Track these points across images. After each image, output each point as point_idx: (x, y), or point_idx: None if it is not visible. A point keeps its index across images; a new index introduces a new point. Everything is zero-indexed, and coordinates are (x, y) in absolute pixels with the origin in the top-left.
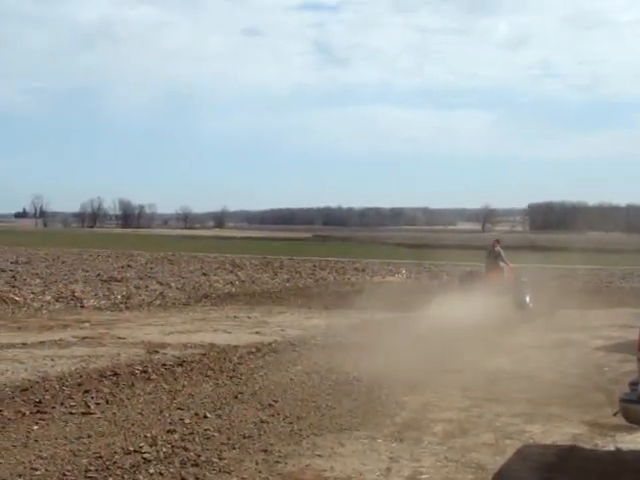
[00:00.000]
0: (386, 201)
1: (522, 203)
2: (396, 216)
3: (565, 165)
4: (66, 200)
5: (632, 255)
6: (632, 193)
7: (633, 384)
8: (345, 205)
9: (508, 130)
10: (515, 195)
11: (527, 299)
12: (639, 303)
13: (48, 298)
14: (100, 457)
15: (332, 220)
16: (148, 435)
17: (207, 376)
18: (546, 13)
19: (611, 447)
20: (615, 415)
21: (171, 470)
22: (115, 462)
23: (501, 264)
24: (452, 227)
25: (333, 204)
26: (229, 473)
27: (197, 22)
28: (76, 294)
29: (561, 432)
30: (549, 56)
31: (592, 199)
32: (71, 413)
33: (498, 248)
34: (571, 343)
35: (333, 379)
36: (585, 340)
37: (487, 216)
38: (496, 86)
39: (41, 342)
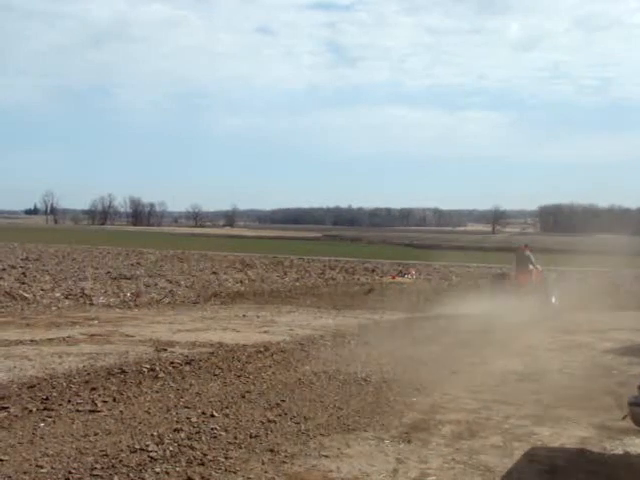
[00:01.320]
0: (396, 201)
1: (532, 205)
2: (406, 216)
3: (576, 167)
4: (77, 197)
5: None
6: None
7: None
8: (355, 205)
9: (518, 132)
10: (525, 197)
11: (553, 299)
12: None
13: (57, 295)
14: (106, 455)
15: (342, 220)
16: (155, 433)
17: (215, 375)
18: (557, 15)
19: (620, 451)
20: (624, 419)
21: (177, 469)
22: (121, 460)
23: (530, 267)
24: (462, 228)
25: (343, 204)
26: (235, 473)
27: (210, 20)
28: (85, 291)
29: (569, 435)
30: (560, 58)
31: (603, 202)
32: (78, 411)
33: (528, 252)
34: (580, 345)
35: (341, 379)
36: (594, 343)
37: (497, 217)
38: (506, 88)
39: (49, 339)
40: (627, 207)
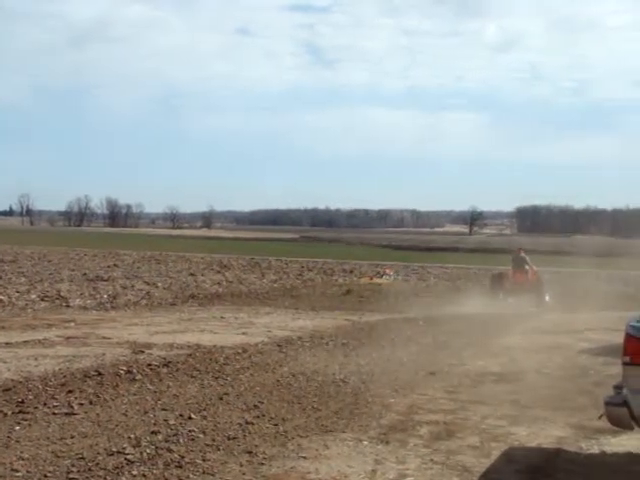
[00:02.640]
0: (374, 203)
1: (509, 206)
2: (384, 218)
3: (553, 168)
4: (53, 199)
5: (618, 259)
6: (617, 197)
7: (617, 387)
8: (333, 206)
9: (496, 133)
10: (503, 198)
11: (547, 297)
12: (624, 306)
13: (33, 297)
14: (82, 458)
15: (320, 221)
16: (132, 436)
17: (192, 377)
18: (535, 16)
19: (596, 450)
20: (600, 418)
21: (154, 472)
22: (98, 463)
23: (526, 267)
24: (439, 229)
25: (321, 205)
26: (213, 475)
27: (191, 21)
28: (62, 293)
29: (546, 434)
30: (538, 59)
31: (579, 203)
32: (54, 413)
33: (523, 254)
34: (557, 346)
35: (319, 380)
36: (571, 343)
37: (474, 219)
38: (485, 89)
39: (25, 341)
40: (603, 208)
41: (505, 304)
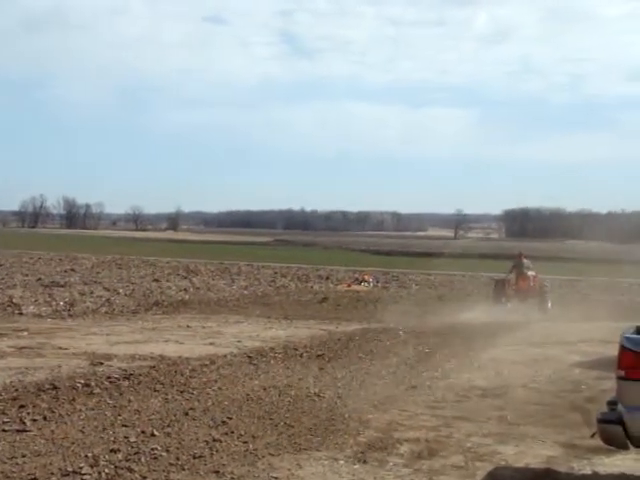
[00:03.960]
0: (352, 204)
1: (497, 209)
2: (363, 220)
3: (544, 169)
4: (5, 198)
5: (613, 266)
6: (613, 200)
7: (612, 403)
8: (309, 208)
9: (484, 131)
10: (490, 200)
11: (549, 304)
12: (619, 317)
13: None
14: (35, 479)
15: (294, 224)
16: (89, 455)
17: (156, 390)
18: (527, 6)
19: (588, 470)
20: (592, 436)
21: None
22: None
23: (529, 273)
24: (422, 233)
25: (296, 206)
26: None
27: (155, 8)
28: (14, 300)
29: (535, 454)
30: (530, 52)
31: (571, 206)
32: (4, 430)
33: (525, 259)
34: (547, 358)
35: (292, 395)
36: (561, 355)
37: (460, 222)
38: (473, 83)
39: None
40: (596, 211)
41: (507, 310)
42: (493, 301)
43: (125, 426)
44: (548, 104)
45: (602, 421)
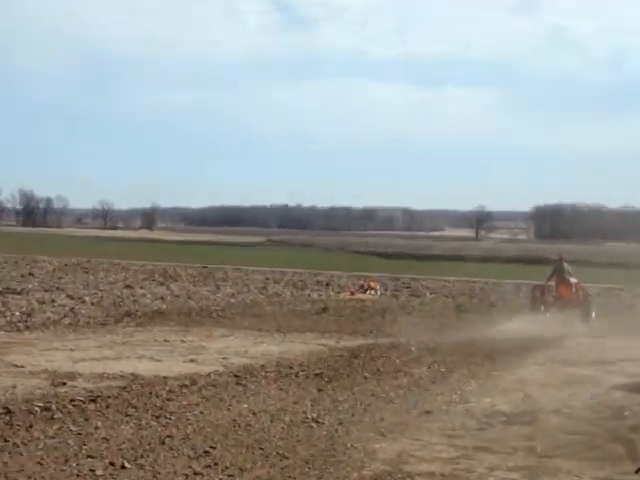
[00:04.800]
0: (357, 199)
1: (525, 205)
2: (369, 218)
3: (580, 159)
4: None
5: None
6: None
7: None
8: (306, 203)
9: (510, 113)
10: (517, 196)
11: (593, 314)
12: None
13: None
14: None
15: (290, 222)
16: None
17: (127, 415)
18: None
19: None
20: (637, 472)
21: None
22: None
23: (571, 279)
24: (438, 233)
25: (291, 202)
26: None
27: None
28: None
29: None
30: (564, 23)
31: (612, 202)
32: None
33: (566, 264)
34: (583, 379)
35: (286, 420)
36: (600, 376)
37: (481, 221)
38: (497, 59)
39: None
40: None
41: (545, 321)
42: (530, 309)
43: (91, 457)
44: (585, 83)
45: None
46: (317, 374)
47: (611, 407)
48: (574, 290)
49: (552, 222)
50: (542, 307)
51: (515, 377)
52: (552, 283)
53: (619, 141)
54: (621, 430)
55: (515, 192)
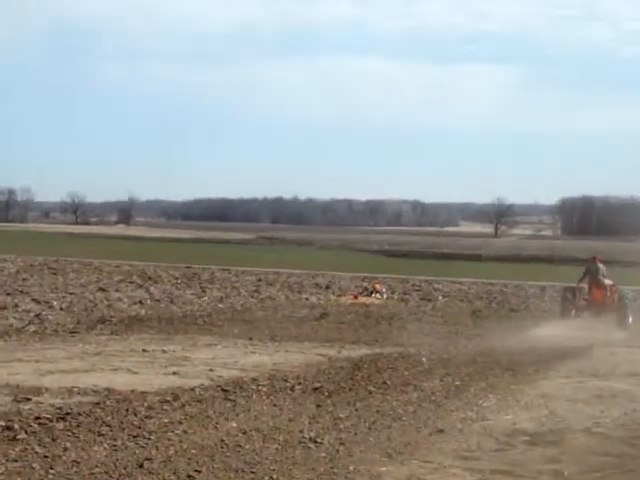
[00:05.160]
0: (361, 191)
1: (551, 198)
2: (374, 212)
3: (612, 145)
4: None
5: None
6: None
7: None
8: (303, 196)
9: (533, 94)
10: (541, 187)
11: (630, 319)
12: None
13: None
14: None
15: (285, 216)
16: None
17: (101, 435)
18: None
19: None
20: None
21: None
22: None
23: (606, 281)
24: (452, 229)
25: (287, 194)
26: None
27: None
28: None
29: None
30: None
31: None
32: None
33: (600, 265)
34: (615, 394)
35: (281, 440)
36: (635, 391)
37: (501, 215)
38: (518, 32)
39: None
40: None
41: (576, 326)
42: (560, 314)
43: None
44: (618, 60)
45: None
46: (315, 388)
47: None
48: (609, 293)
49: (580, 217)
50: (573, 311)
51: (539, 391)
52: (584, 285)
53: None
54: None
55: (539, 183)
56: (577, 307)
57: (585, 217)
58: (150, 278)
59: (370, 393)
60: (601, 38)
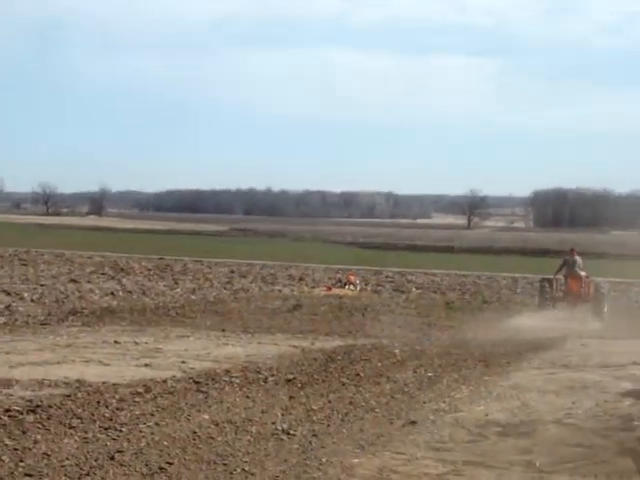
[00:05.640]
0: (334, 183)
1: (524, 190)
2: (348, 204)
3: (586, 138)
4: None
5: None
6: None
7: None
8: (276, 187)
9: (508, 87)
10: (514, 179)
11: (605, 309)
12: None
13: None
14: None
15: (258, 208)
16: None
17: (71, 427)
18: None
19: None
20: None
21: None
22: None
23: (582, 273)
24: (425, 221)
25: (260, 186)
26: None
27: None
28: None
29: None
30: None
31: (621, 186)
32: None
33: (578, 257)
34: (587, 386)
35: (253, 432)
36: (607, 382)
37: (474, 207)
38: (495, 24)
39: None
40: None
41: (553, 317)
42: (538, 305)
43: (29, 475)
44: (592, 52)
45: None
46: (288, 380)
47: (619, 416)
48: (584, 285)
49: (553, 209)
50: (551, 302)
51: (511, 383)
52: (561, 277)
53: (629, 118)
54: (630, 442)
55: (512, 175)
56: (554, 298)
57: (558, 209)
58: (122, 269)
59: (343, 385)
60: (575, 31)
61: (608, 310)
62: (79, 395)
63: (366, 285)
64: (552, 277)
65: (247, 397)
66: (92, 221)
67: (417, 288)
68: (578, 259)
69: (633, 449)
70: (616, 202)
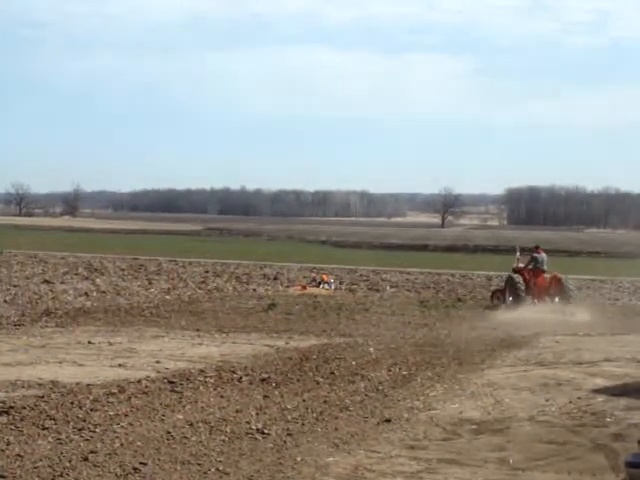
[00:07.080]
0: (308, 182)
1: (497, 188)
2: (322, 203)
3: (558, 135)
4: None
5: None
6: None
7: None
8: (251, 186)
9: (481, 85)
10: (488, 177)
11: (572, 300)
12: None
13: None
14: None
15: (232, 207)
16: None
17: (45, 428)
18: None
19: None
20: None
21: None
22: None
23: (546, 269)
24: (399, 219)
25: (234, 185)
26: None
27: None
28: None
29: None
30: None
31: (593, 184)
32: None
33: (543, 253)
34: (560, 382)
35: (228, 432)
36: (580, 379)
37: (448, 205)
38: (467, 23)
39: None
40: (626, 191)
41: (523, 311)
42: (512, 298)
43: (2, 477)
44: (564, 50)
45: (632, 464)
46: (263, 379)
47: (592, 413)
48: (549, 279)
49: (526, 206)
50: (523, 295)
51: (485, 380)
52: (526, 273)
53: (602, 114)
54: (603, 438)
55: (485, 173)
56: (521, 294)
57: (530, 207)
58: (96, 270)
59: (318, 383)
60: (546, 29)
61: (575, 305)
62: (53, 396)
63: (341, 284)
64: (517, 271)
65: (221, 397)
66: (66, 221)
67: (391, 287)
68: (544, 255)
69: (606, 445)
70: (589, 200)
